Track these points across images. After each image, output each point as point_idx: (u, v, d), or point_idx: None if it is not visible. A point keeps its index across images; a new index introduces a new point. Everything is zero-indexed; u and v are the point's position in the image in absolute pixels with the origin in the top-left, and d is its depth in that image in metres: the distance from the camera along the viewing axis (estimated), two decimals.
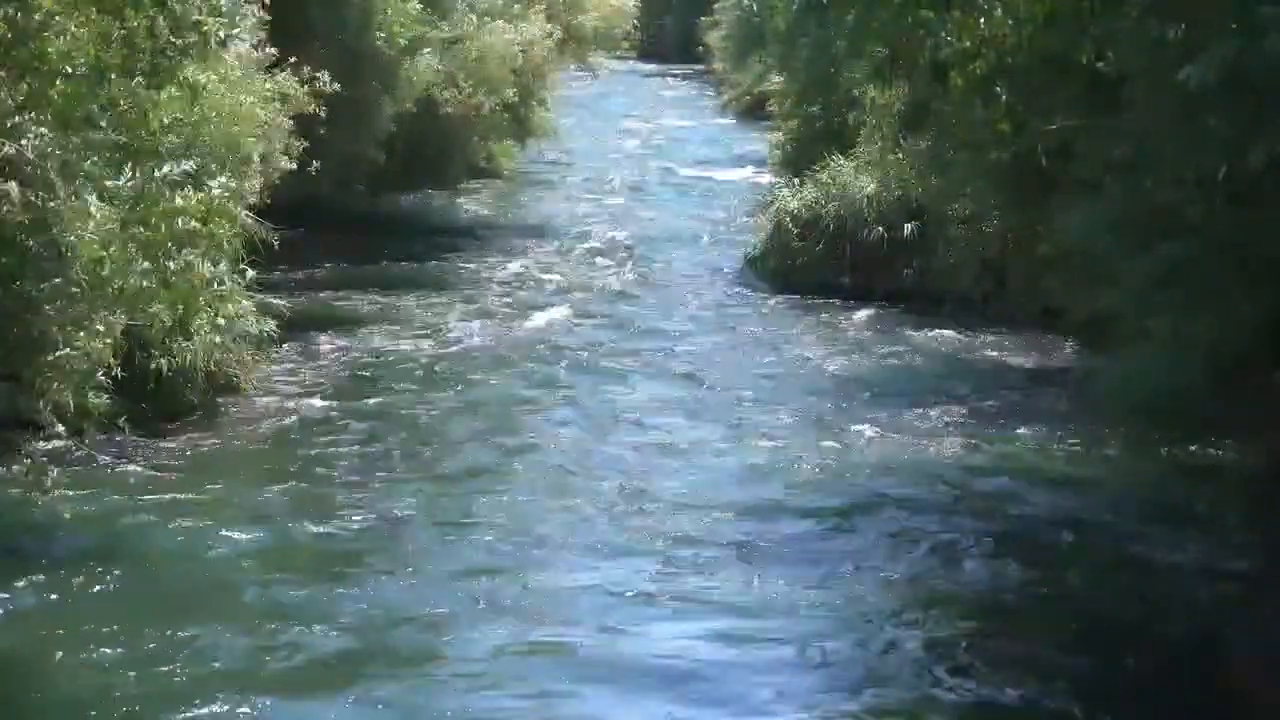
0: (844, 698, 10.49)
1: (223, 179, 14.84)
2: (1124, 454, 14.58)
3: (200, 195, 14.02)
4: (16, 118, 11.22)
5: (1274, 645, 11.05)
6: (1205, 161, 10.07)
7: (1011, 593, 12.13)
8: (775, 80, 32.98)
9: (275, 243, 17.87)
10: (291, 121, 17.98)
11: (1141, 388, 11.88)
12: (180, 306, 15.20)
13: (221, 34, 13.02)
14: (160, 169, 13.79)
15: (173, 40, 11.93)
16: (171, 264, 13.86)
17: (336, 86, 18.71)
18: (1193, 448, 13.62)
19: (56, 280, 12.50)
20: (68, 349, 13.07)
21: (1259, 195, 10.10)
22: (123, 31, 11.85)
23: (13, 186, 10.90)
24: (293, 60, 18.56)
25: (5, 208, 11.04)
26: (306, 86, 18.13)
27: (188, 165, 14.52)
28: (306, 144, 18.22)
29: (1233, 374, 11.20)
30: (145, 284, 13.49)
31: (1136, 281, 11.48)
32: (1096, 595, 12.16)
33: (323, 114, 18.36)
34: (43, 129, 11.34)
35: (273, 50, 17.88)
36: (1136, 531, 13.35)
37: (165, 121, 15.55)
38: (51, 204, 11.66)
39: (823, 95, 27.40)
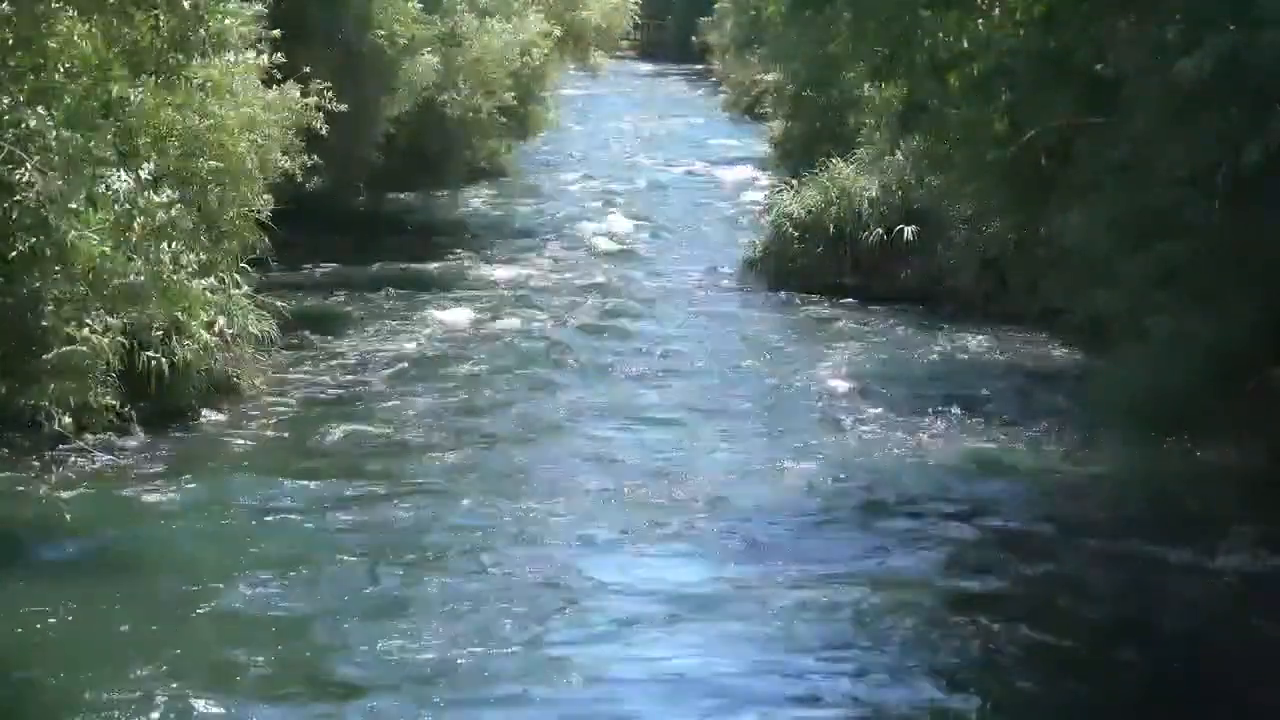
0: (843, 697, 10.49)
1: (151, 166, 14.85)
2: (1122, 453, 14.59)
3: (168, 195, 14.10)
4: (15, 111, 11.24)
5: (1272, 644, 11.07)
6: (1203, 160, 10.09)
7: (1009, 592, 12.13)
8: (772, 79, 32.99)
9: (274, 242, 17.94)
10: (293, 134, 17.99)
11: (1140, 387, 11.91)
12: (179, 305, 15.26)
13: (225, 24, 13.04)
14: (140, 168, 13.86)
15: (179, 39, 11.95)
16: (166, 257, 13.90)
17: (342, 107, 18.72)
18: (1191, 447, 13.64)
19: (58, 277, 12.53)
20: (69, 347, 13.11)
21: (1257, 196, 10.13)
22: (127, 32, 11.87)
23: (37, 175, 10.91)
24: (305, 70, 18.58)
25: (28, 194, 11.04)
26: (311, 98, 18.14)
27: (157, 161, 14.59)
28: (311, 156, 18.22)
29: (1230, 373, 11.23)
30: (142, 279, 13.52)
31: (1135, 281, 11.51)
32: (1094, 594, 12.17)
33: (324, 126, 18.36)
34: (47, 120, 11.36)
35: (280, 56, 17.91)
36: (1134, 531, 13.34)
37: (166, 125, 15.71)
38: (53, 202, 11.69)
39: (821, 94, 27.42)
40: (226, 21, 13.89)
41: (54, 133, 11.32)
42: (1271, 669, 10.72)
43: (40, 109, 11.30)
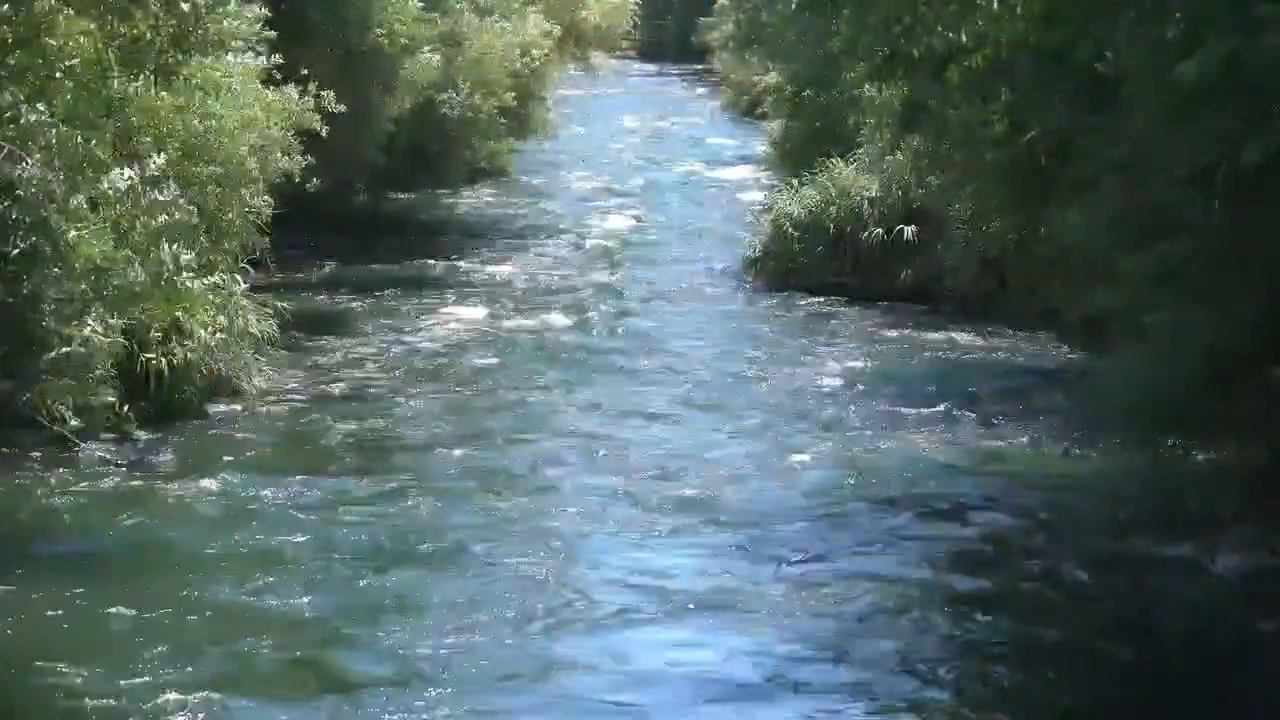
0: (841, 694, 10.49)
1: (161, 161, 14.86)
2: (1122, 452, 14.58)
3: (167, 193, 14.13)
4: (14, 108, 11.25)
5: (1272, 644, 11.07)
6: (1202, 159, 10.09)
7: (1007, 590, 12.13)
8: (772, 79, 33.00)
9: (274, 243, 17.96)
10: (294, 137, 18.00)
11: (1139, 386, 11.90)
12: (178, 306, 15.29)
13: (224, 25, 13.07)
14: (140, 166, 13.88)
15: (177, 38, 11.97)
16: (165, 257, 13.91)
17: (341, 108, 18.73)
18: (1190, 446, 13.61)
19: (57, 277, 12.53)
20: (69, 347, 13.12)
21: (1257, 194, 10.12)
22: (125, 31, 11.89)
23: (34, 168, 10.91)
24: (306, 71, 18.61)
25: (28, 190, 11.04)
26: (310, 100, 18.15)
27: (160, 160, 14.61)
28: (308, 157, 18.23)
29: (1230, 372, 11.22)
30: (143, 279, 13.53)
31: (1135, 280, 11.50)
32: (1093, 594, 12.17)
33: (325, 127, 18.38)
34: (45, 115, 11.37)
35: (279, 57, 17.91)
36: (1134, 530, 13.36)
37: (166, 126, 15.73)
38: (53, 202, 11.70)
39: (821, 94, 27.42)
40: (225, 23, 13.90)
41: (54, 129, 11.33)
42: (1272, 669, 10.71)
43: (40, 105, 11.32)
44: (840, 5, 13.97)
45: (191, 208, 15.06)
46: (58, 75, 11.72)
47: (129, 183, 14.10)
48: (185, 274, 15.59)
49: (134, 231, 14.53)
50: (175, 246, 15.16)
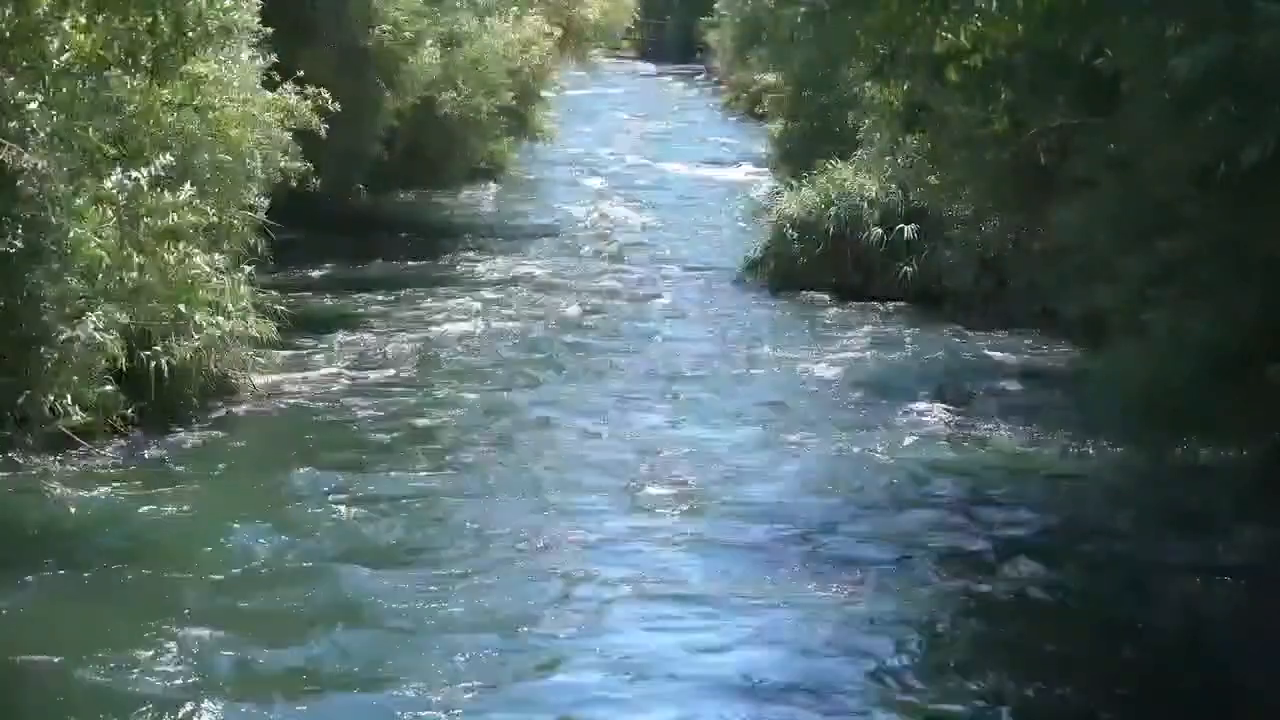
0: (839, 694, 10.49)
1: (168, 160, 14.86)
2: (1120, 451, 14.59)
3: (182, 195, 14.14)
4: (14, 99, 11.25)
5: (1270, 641, 11.07)
6: (1201, 158, 10.10)
7: (1005, 590, 12.12)
8: (772, 79, 33.06)
9: (274, 242, 17.97)
10: (291, 136, 18.00)
11: (1138, 384, 11.92)
12: (179, 304, 15.30)
13: (224, 19, 13.06)
14: (146, 168, 13.88)
15: (177, 34, 11.98)
16: (170, 258, 13.92)
17: (338, 107, 18.71)
18: (1189, 444, 13.62)
19: (57, 274, 12.53)
20: (70, 345, 13.13)
21: (1255, 192, 10.12)
22: (125, 27, 11.89)
23: (37, 160, 10.91)
24: (307, 66, 18.59)
25: (24, 183, 11.05)
26: (309, 102, 18.14)
27: (168, 161, 14.62)
28: (310, 162, 18.22)
29: (1229, 370, 11.24)
30: (146, 278, 13.54)
31: (1134, 278, 11.52)
32: (1092, 593, 12.16)
33: (325, 126, 18.38)
34: (39, 98, 11.37)
35: (279, 54, 17.89)
36: (1132, 529, 13.36)
37: (166, 125, 15.72)
38: (54, 202, 11.71)
39: (821, 95, 27.45)
40: (220, 19, 13.86)
41: (52, 117, 11.33)
42: (1272, 669, 10.70)
43: (38, 94, 11.32)
44: (841, 15, 13.96)
45: (202, 206, 15.09)
46: (56, 65, 11.72)
47: (133, 181, 14.11)
48: (191, 272, 15.60)
49: (138, 230, 14.55)
50: (182, 245, 15.19)
